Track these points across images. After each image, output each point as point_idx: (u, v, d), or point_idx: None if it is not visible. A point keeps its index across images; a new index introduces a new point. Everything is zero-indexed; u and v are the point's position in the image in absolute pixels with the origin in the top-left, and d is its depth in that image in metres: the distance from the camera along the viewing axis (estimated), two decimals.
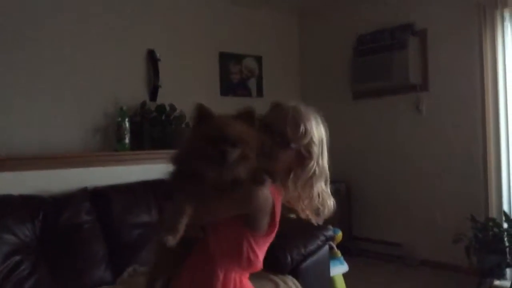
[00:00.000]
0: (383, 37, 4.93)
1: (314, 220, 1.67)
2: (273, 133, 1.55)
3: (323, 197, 1.65)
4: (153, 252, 1.75)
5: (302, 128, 1.57)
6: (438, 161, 4.66)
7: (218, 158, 1.34)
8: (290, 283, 2.85)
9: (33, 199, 2.95)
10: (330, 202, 1.66)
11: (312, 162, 1.60)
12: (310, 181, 1.61)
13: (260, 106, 1.65)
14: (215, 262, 1.53)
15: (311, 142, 1.59)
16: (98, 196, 3.23)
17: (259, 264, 1.58)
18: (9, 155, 3.28)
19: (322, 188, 1.65)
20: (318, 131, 1.62)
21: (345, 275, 3.63)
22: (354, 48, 5.21)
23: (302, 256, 3.04)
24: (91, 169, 3.48)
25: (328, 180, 1.66)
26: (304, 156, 1.60)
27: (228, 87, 5.20)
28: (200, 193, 1.39)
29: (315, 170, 1.61)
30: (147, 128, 4.09)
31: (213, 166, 1.36)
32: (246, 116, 1.46)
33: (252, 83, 5.41)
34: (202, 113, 1.42)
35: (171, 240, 1.32)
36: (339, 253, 3.61)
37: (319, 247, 3.19)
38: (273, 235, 1.59)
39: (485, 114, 4.21)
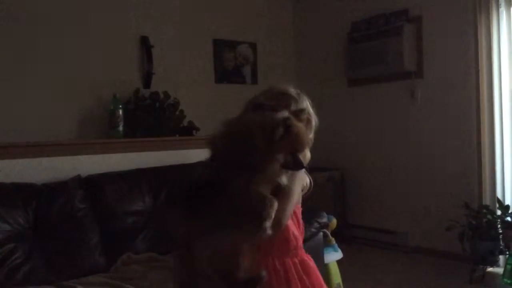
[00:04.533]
0: (377, 23, 4.91)
1: None
2: None
3: (306, 177, 1.75)
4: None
5: (313, 122, 1.70)
6: (433, 148, 4.67)
7: (296, 167, 1.49)
8: None
9: (26, 187, 2.93)
10: (308, 180, 1.76)
11: (307, 149, 1.66)
12: None
13: (255, 93, 1.71)
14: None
15: (313, 131, 1.72)
16: (92, 184, 3.21)
17: None
18: (1, 143, 3.25)
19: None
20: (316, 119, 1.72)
21: (339, 262, 3.64)
22: (349, 34, 5.19)
23: None
24: (85, 156, 3.46)
25: None
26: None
27: (223, 74, 5.17)
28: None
29: (308, 156, 1.68)
30: (141, 115, 4.06)
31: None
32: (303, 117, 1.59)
33: (246, 70, 5.39)
34: (287, 129, 1.46)
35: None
36: (333, 240, 3.62)
37: (313, 234, 3.20)
38: None
39: (480, 101, 4.20)
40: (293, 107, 1.64)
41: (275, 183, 1.49)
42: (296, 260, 1.71)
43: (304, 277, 1.68)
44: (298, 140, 1.47)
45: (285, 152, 1.45)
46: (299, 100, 1.69)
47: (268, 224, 1.38)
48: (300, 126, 1.49)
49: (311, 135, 1.69)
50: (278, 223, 1.49)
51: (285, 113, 1.48)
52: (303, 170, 1.67)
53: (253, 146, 1.42)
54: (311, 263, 1.76)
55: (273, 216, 1.39)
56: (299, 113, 1.55)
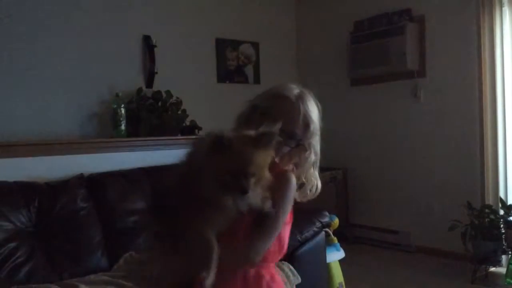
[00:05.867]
0: (380, 22, 4.91)
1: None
2: (281, 132, 1.44)
3: (312, 180, 1.69)
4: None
5: (312, 127, 1.58)
6: (435, 148, 4.66)
7: (239, 191, 1.32)
8: (286, 269, 2.85)
9: (29, 185, 2.93)
10: (319, 184, 1.71)
11: (309, 152, 1.62)
12: (304, 167, 1.64)
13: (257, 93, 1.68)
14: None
15: (315, 136, 1.61)
16: (94, 183, 3.21)
17: None
18: (4, 142, 3.26)
19: (312, 172, 1.67)
20: (319, 121, 1.63)
21: (341, 262, 3.64)
22: (352, 33, 5.18)
23: (298, 242, 3.05)
24: (87, 155, 3.46)
25: (318, 164, 1.69)
26: (305, 148, 1.60)
27: (225, 74, 5.17)
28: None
29: (311, 158, 1.63)
30: (143, 115, 4.06)
31: (230, 197, 1.34)
32: (265, 140, 1.37)
33: (249, 70, 5.38)
34: (222, 144, 1.31)
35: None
36: (335, 240, 3.62)
37: (315, 234, 3.20)
38: None
39: (482, 100, 4.20)
40: (285, 115, 1.51)
41: (233, 216, 1.37)
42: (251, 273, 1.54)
43: None
44: (239, 160, 1.30)
45: (225, 170, 1.30)
46: (296, 104, 1.56)
47: (207, 282, 1.26)
48: (245, 147, 1.32)
49: (313, 140, 1.60)
50: (245, 259, 1.42)
51: (229, 131, 1.34)
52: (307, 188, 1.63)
53: (196, 163, 1.34)
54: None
55: (212, 275, 1.27)
56: (261, 137, 1.34)
